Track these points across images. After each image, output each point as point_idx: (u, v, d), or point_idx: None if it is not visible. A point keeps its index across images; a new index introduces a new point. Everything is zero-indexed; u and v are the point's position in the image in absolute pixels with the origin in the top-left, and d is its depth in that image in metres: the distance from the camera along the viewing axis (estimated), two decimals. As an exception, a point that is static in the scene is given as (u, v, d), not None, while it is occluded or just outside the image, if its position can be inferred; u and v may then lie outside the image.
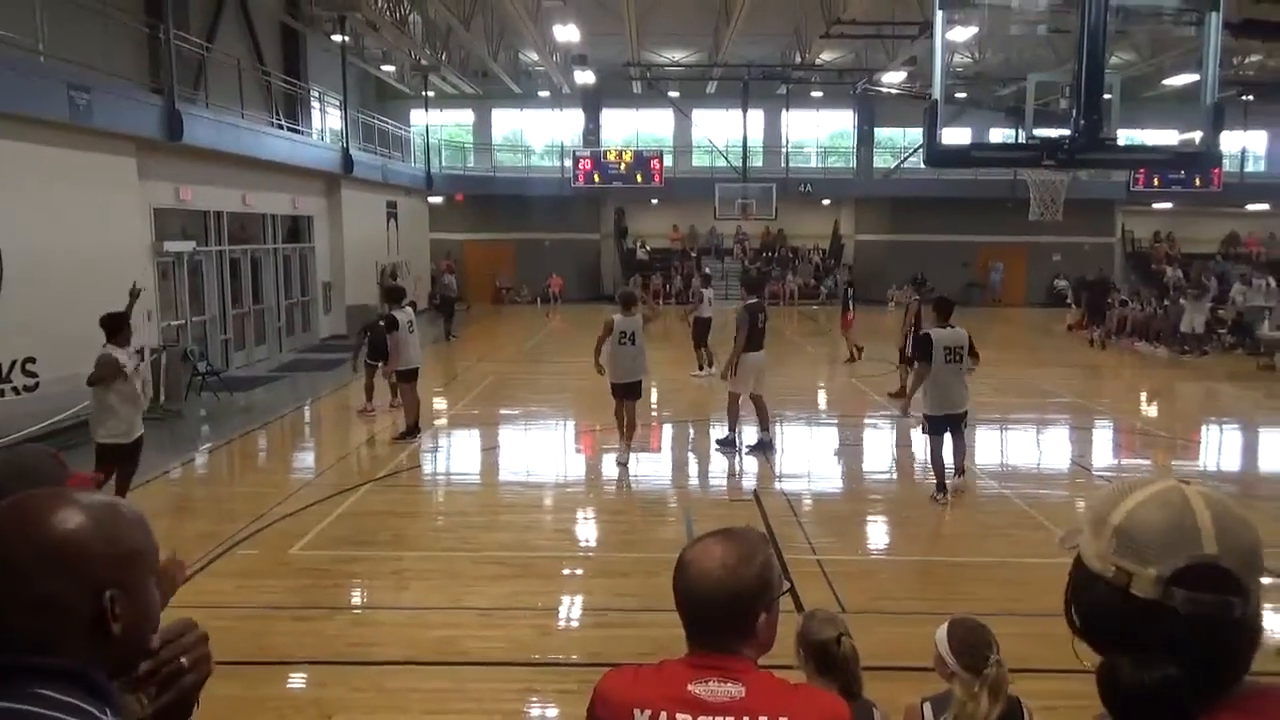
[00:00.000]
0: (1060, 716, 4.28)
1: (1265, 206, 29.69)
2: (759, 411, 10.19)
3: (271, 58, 21.05)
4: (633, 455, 9.65)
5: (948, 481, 8.30)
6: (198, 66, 16.33)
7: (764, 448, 10.11)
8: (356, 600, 6.30)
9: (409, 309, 11.13)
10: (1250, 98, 24.92)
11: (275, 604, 6.02)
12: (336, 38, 21.15)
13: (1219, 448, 11.82)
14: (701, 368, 15.41)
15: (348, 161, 20.08)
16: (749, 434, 10.43)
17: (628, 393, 9.69)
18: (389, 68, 27.04)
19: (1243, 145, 28.28)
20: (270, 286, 17.92)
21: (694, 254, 31.25)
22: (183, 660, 1.28)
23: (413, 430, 10.69)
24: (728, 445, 10.20)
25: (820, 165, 31.95)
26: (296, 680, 5.18)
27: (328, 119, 23.65)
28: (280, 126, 18.94)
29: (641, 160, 28.06)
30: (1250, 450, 11.49)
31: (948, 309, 8.47)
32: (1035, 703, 4.23)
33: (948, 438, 8.32)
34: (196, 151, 14.10)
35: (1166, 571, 1.12)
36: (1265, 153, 31.09)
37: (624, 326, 9.59)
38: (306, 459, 10.92)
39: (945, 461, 8.29)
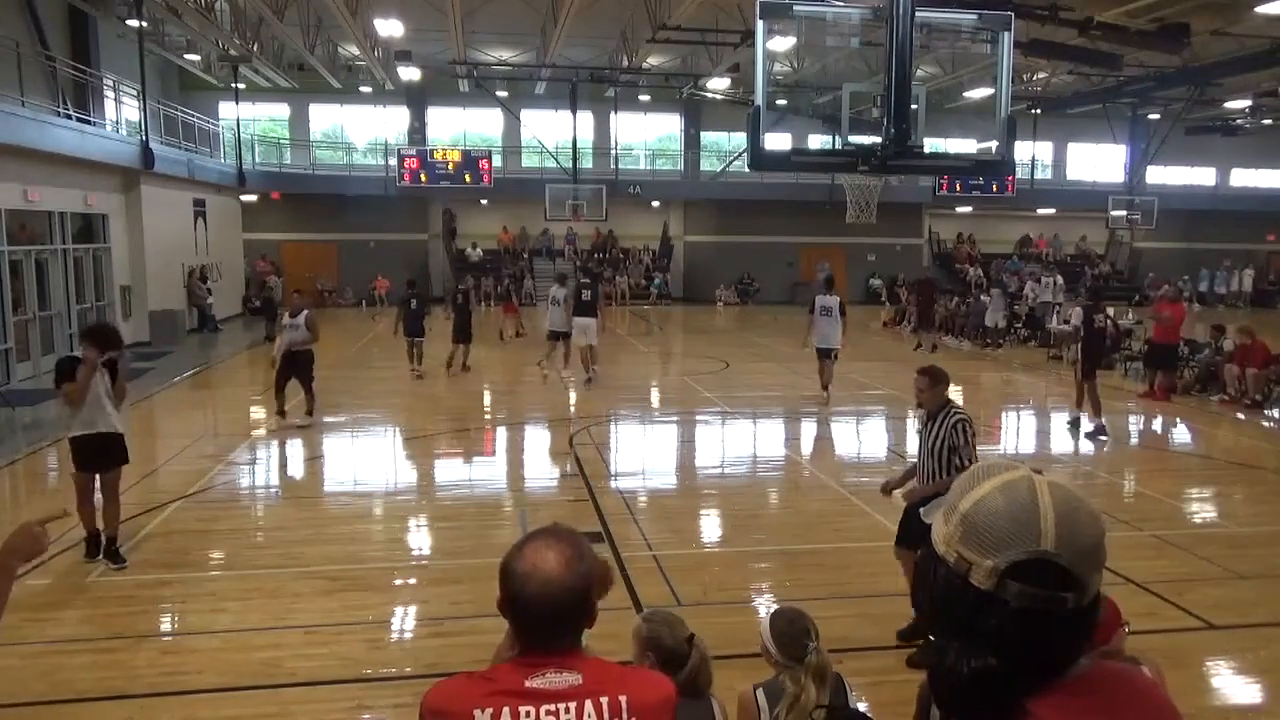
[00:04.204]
0: (884, 691, 4.48)
1: (1052, 211, 32.85)
2: (587, 358, 14.53)
3: (58, 42, 19.34)
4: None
5: (823, 394, 13.03)
6: (-33, 49, 14.78)
7: (589, 381, 14.24)
8: (166, 626, 5.82)
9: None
10: (1038, 111, 27.33)
11: (71, 637, 5.48)
12: (132, 22, 19.60)
13: (1016, 432, 12.81)
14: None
15: (147, 155, 18.63)
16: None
17: (554, 337, 14.93)
18: (193, 57, 25.32)
19: (1032, 155, 30.95)
20: (59, 291, 16.41)
21: (525, 255, 31.03)
22: None
23: (99, 544, 6.63)
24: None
25: (649, 167, 32.46)
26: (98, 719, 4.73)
27: (124, 110, 21.85)
28: (69, 116, 17.37)
29: (470, 160, 27.56)
30: (1044, 433, 12.52)
31: (830, 284, 13.53)
32: (862, 679, 4.44)
33: (827, 364, 13.00)
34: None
35: (1003, 564, 1.12)
36: (1051, 162, 34.23)
37: (555, 295, 14.84)
38: (106, 477, 10.01)
39: (826, 378, 13.05)
